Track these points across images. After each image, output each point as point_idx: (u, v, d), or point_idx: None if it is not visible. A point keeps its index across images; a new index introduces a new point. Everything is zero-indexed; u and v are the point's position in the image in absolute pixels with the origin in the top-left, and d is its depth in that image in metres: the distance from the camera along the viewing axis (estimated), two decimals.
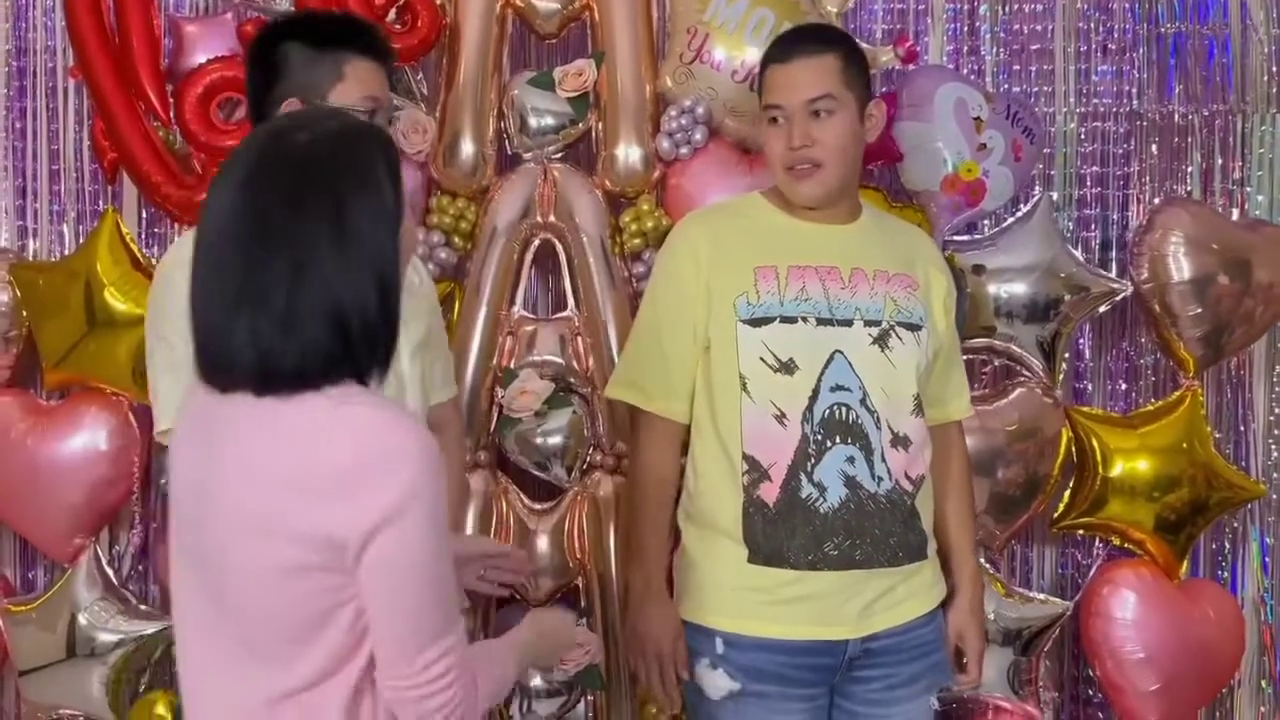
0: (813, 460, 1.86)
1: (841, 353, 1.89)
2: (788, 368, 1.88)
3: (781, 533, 1.86)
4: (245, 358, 1.25)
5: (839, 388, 1.88)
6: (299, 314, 1.24)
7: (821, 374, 1.88)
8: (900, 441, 1.90)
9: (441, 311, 2.11)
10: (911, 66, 2.59)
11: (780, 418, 1.87)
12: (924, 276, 1.98)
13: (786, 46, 1.99)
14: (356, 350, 1.27)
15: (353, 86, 1.80)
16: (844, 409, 1.87)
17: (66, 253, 2.73)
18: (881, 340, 1.90)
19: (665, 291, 1.99)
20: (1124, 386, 2.88)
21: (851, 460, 1.87)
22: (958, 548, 2.05)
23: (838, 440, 1.87)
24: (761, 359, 1.88)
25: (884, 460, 1.88)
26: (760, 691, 1.88)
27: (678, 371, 1.95)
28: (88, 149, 2.72)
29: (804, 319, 1.89)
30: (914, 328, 1.93)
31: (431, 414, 1.93)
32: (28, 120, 2.76)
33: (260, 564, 1.26)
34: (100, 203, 2.73)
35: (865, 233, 1.98)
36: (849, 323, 1.89)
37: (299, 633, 1.27)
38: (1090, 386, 2.87)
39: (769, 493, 1.87)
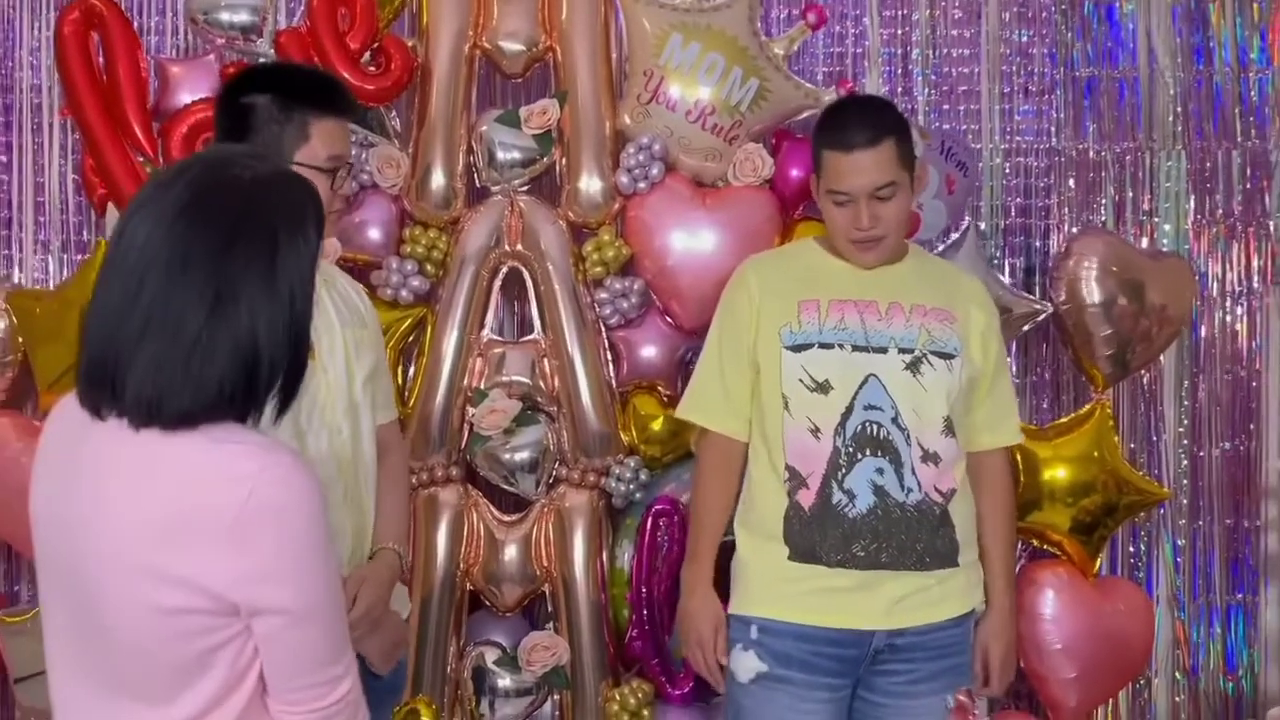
0: (843, 470, 2.04)
1: (876, 376, 2.06)
2: (823, 388, 2.06)
3: (815, 534, 2.05)
4: (141, 387, 1.20)
5: (872, 407, 2.06)
6: (208, 347, 1.20)
7: (856, 394, 2.06)
8: (930, 458, 2.06)
9: (384, 340, 2.19)
10: None
11: (815, 432, 2.05)
12: (963, 312, 2.15)
13: (847, 136, 2.05)
14: (257, 391, 1.24)
15: (318, 147, 1.82)
16: (876, 426, 2.05)
17: (51, 280, 2.85)
18: (914, 366, 2.08)
19: (724, 326, 2.19)
20: (1047, 402, 3.10)
21: (881, 471, 2.05)
22: (991, 567, 2.19)
23: (868, 453, 2.05)
24: (800, 380, 2.07)
25: (914, 473, 2.05)
26: (786, 676, 2.05)
27: (735, 395, 2.14)
28: (72, 182, 2.84)
29: (840, 345, 2.07)
30: (947, 356, 2.10)
31: (378, 435, 2.03)
32: (13, 155, 2.88)
33: (139, 606, 1.21)
34: (84, 233, 2.86)
35: (907, 272, 2.16)
36: (884, 350, 2.07)
37: (180, 673, 1.23)
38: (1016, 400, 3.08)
39: (805, 498, 2.05)
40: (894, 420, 2.05)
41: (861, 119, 2.09)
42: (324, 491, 1.30)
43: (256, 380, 1.23)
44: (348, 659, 1.30)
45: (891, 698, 2.10)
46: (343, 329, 1.96)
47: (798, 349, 2.08)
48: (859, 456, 2.04)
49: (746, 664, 2.07)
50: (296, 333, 1.26)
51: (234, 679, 1.24)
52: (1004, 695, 2.36)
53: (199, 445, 1.21)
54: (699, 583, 2.15)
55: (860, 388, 2.06)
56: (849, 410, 2.05)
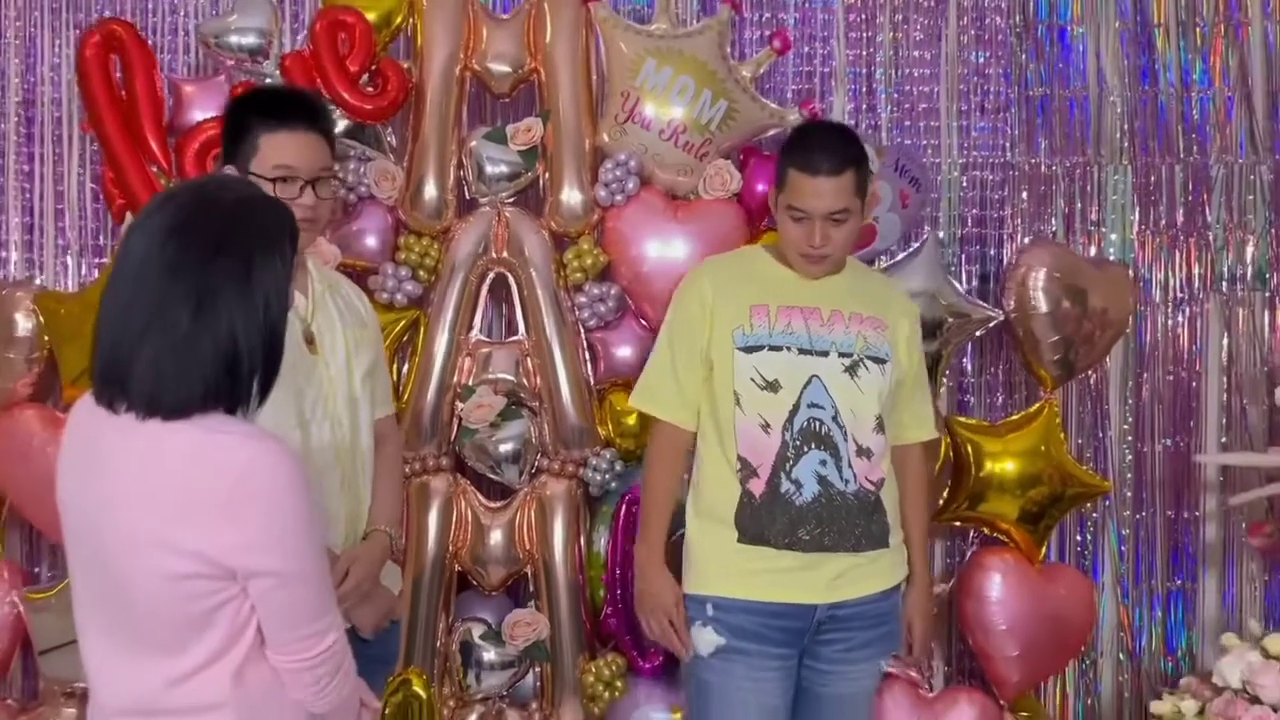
0: (791, 462, 2.23)
1: (818, 377, 2.25)
2: (773, 387, 2.25)
3: (765, 519, 2.24)
4: (142, 383, 1.37)
5: (814, 405, 2.25)
6: (195, 347, 1.36)
7: (801, 393, 2.25)
8: (864, 452, 2.27)
9: (383, 340, 2.37)
10: None
11: (765, 427, 2.24)
12: (893, 321, 2.35)
13: (813, 160, 2.22)
14: (239, 385, 1.41)
15: (265, 156, 1.96)
16: (818, 422, 2.25)
17: (70, 281, 3.05)
18: (852, 369, 2.27)
19: (677, 324, 2.36)
20: (1001, 399, 3.29)
21: (824, 463, 2.24)
22: (913, 545, 2.40)
23: (813, 447, 2.24)
24: (752, 379, 2.25)
25: (850, 466, 2.26)
26: (742, 648, 2.25)
27: (686, 388, 2.33)
28: (90, 190, 3.03)
29: (788, 348, 2.26)
30: (880, 361, 2.30)
31: (376, 427, 2.21)
32: (35, 164, 3.07)
33: (152, 574, 1.39)
34: (101, 238, 3.06)
35: (846, 283, 2.35)
36: (825, 353, 2.27)
37: (188, 629, 1.41)
38: (972, 399, 3.28)
39: (756, 487, 2.24)
40: (834, 418, 2.25)
41: (829, 147, 2.27)
42: (320, 477, 1.48)
43: (238, 376, 1.41)
44: (332, 615, 1.50)
45: (833, 664, 2.31)
46: (344, 329, 2.15)
47: (749, 350, 2.27)
48: (805, 450, 2.24)
49: (706, 638, 2.27)
50: (271, 335, 1.43)
51: (234, 634, 1.43)
52: (925, 656, 2.59)
53: (194, 435, 1.38)
54: (651, 561, 2.34)
55: (805, 387, 2.25)
56: (796, 408, 2.25)
